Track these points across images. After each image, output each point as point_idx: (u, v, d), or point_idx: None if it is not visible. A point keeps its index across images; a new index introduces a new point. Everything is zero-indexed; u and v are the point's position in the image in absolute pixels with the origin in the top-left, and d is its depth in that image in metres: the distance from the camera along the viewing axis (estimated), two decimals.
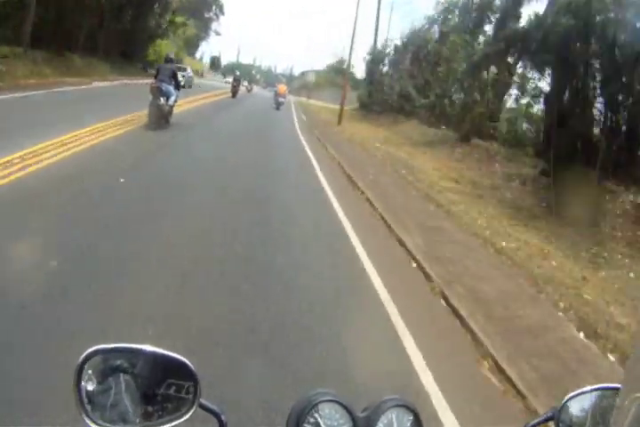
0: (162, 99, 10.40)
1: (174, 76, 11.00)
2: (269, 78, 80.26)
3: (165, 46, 37.03)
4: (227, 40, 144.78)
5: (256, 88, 47.54)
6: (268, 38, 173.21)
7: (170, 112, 11.07)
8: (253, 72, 77.96)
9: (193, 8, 45.26)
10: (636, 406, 0.52)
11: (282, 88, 25.77)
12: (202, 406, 0.73)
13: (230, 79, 53.62)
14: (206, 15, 53.59)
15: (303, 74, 77.48)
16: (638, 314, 5.28)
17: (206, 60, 74.37)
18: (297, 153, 12.39)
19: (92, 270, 3.53)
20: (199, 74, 48.29)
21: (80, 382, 0.69)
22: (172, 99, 10.88)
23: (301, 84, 67.04)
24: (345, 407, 0.76)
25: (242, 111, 20.93)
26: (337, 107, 41.18)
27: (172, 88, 10.86)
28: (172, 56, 11.47)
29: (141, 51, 28.64)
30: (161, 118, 10.61)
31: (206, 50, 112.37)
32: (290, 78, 72.27)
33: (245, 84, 34.17)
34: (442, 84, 22.11)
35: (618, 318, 4.72)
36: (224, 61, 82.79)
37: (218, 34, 61.92)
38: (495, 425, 2.79)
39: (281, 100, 24.70)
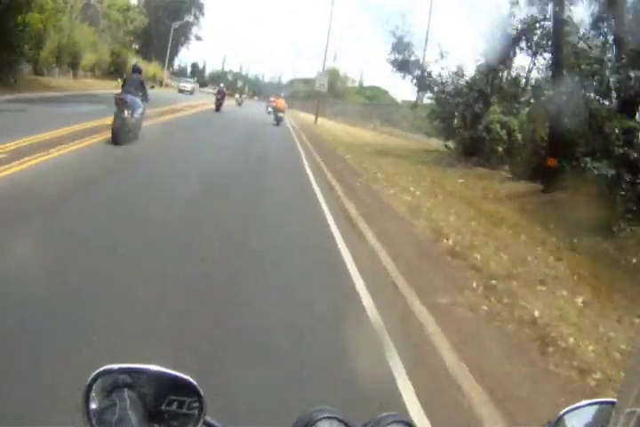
0: (126, 111, 9.69)
1: (142, 87, 10.38)
2: (256, 87, 79.03)
3: (78, 31, 23.68)
4: (212, 48, 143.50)
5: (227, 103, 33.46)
6: (254, 46, 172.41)
7: (138, 126, 10.38)
8: (229, 78, 70.22)
9: (170, 7, 42.03)
10: (631, 421, 0.51)
11: (280, 103, 24.34)
12: (207, 424, 0.75)
13: (189, 86, 39.44)
14: (186, 18, 51.23)
15: (292, 82, 76.90)
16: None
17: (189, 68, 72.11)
18: None
19: None
20: (157, 82, 37.63)
21: (88, 402, 0.70)
22: (139, 111, 10.19)
23: (292, 93, 65.22)
24: (345, 424, 0.77)
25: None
26: (394, 143, 21.07)
27: (138, 100, 10.20)
28: (140, 66, 10.76)
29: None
30: (126, 133, 9.88)
31: (187, 56, 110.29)
32: (277, 87, 71.20)
33: (221, 87, 26.93)
34: None
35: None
36: (209, 69, 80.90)
37: (199, 39, 59.64)
38: None
39: (280, 115, 23.43)
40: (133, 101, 10.04)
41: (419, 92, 21.63)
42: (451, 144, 17.48)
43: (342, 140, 19.73)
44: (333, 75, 56.98)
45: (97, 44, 26.63)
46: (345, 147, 17.00)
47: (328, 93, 49.92)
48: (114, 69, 28.58)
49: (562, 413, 0.82)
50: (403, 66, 19.76)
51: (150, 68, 37.81)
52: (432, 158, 16.29)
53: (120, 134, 9.62)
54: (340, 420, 0.76)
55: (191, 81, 45.63)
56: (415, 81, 19.93)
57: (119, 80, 22.28)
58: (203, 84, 57.75)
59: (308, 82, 69.77)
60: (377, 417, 0.79)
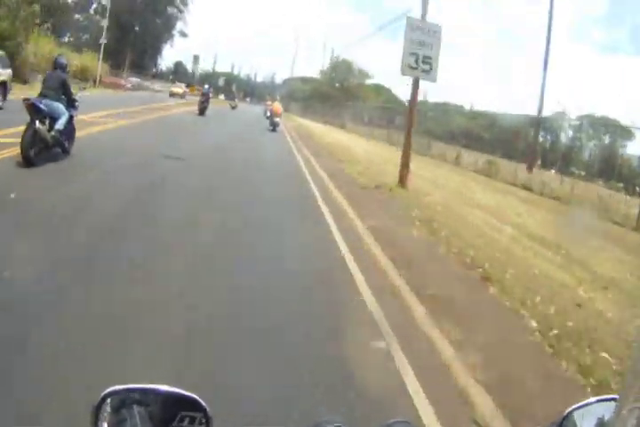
0: (38, 122, 7.13)
1: (65, 89, 7.80)
2: (248, 88, 75.92)
3: None
4: (204, 47, 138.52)
5: (213, 107, 26.86)
6: (247, 45, 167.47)
7: (64, 140, 7.81)
8: (200, 72, 64.09)
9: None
10: (633, 416, 0.50)
11: (276, 107, 23.46)
12: None
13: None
14: (169, 11, 46.85)
15: (287, 81, 74.09)
16: None
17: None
18: None
19: None
20: (91, 80, 27.62)
21: (97, 421, 0.71)
22: (62, 121, 7.62)
23: (288, 93, 61.74)
24: None
25: None
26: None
27: (60, 106, 7.65)
28: (64, 60, 8.13)
29: None
30: (43, 150, 7.35)
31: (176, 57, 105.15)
32: (272, 87, 68.35)
33: (206, 89, 24.91)
34: None
35: None
36: (199, 69, 76.95)
37: (184, 35, 55.83)
38: None
39: (276, 119, 23.13)
40: (53, 108, 7.48)
41: None
42: None
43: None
44: (345, 68, 47.75)
45: None
46: None
47: (340, 94, 40.68)
48: None
49: (569, 410, 0.82)
50: None
51: (77, 59, 27.12)
52: None
53: (32, 152, 7.07)
54: None
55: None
56: None
57: None
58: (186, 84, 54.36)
59: (305, 80, 66.71)
60: (384, 424, 0.80)
